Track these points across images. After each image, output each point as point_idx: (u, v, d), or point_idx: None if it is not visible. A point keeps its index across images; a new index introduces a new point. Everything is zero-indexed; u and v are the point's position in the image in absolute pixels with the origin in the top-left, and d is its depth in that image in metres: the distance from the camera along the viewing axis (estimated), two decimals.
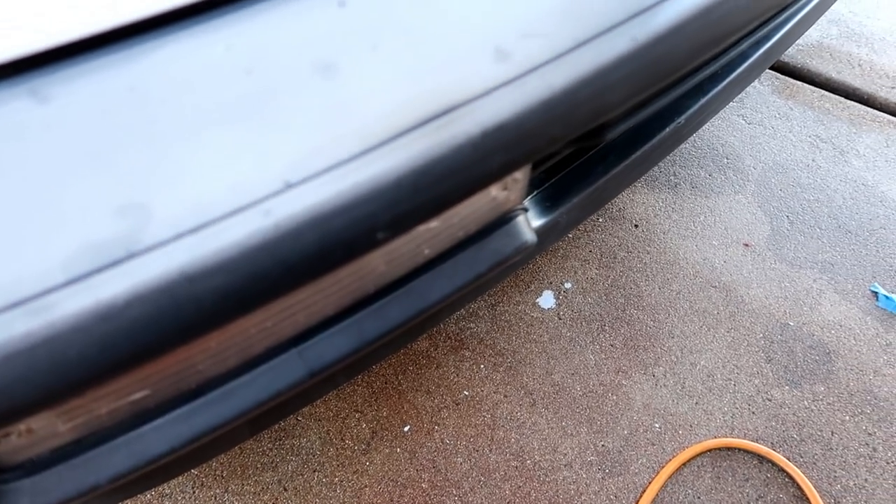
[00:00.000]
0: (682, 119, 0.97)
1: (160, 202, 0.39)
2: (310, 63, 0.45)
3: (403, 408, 1.24)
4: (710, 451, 1.16)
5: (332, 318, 0.57)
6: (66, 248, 0.37)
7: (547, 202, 0.82)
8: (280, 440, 1.21)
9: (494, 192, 0.59)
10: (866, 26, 2.01)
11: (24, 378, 0.37)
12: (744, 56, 1.01)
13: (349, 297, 0.56)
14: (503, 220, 0.64)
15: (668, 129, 0.95)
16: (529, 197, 0.82)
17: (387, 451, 1.19)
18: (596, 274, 1.42)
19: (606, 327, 1.34)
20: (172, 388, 0.51)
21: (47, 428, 0.48)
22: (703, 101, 0.99)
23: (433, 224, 0.54)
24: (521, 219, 0.66)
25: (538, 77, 0.47)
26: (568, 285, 1.40)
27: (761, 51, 1.03)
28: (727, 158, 1.63)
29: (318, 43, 0.46)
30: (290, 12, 0.47)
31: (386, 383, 1.27)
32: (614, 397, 1.24)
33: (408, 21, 0.48)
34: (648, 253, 1.45)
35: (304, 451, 1.19)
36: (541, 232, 0.79)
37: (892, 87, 1.80)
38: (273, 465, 1.17)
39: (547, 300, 1.38)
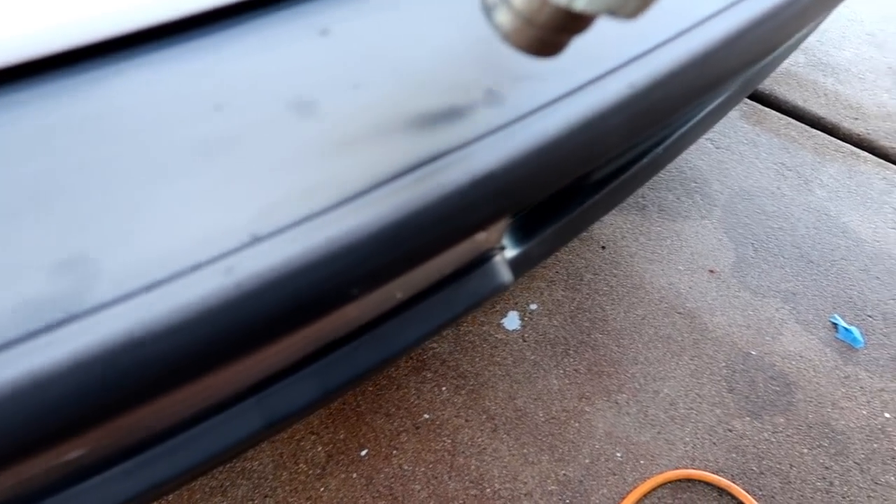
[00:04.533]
0: (660, 149, 0.95)
1: (108, 256, 0.34)
2: (285, 99, 0.40)
3: (361, 430, 1.20)
4: (670, 482, 1.15)
5: (293, 366, 0.53)
6: None
7: (520, 233, 0.79)
8: (230, 462, 1.15)
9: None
10: (832, 56, 2.05)
11: None
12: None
13: (312, 344, 0.52)
14: (480, 260, 0.60)
15: (646, 160, 0.93)
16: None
17: (342, 476, 1.14)
18: (562, 296, 1.40)
19: (571, 351, 1.32)
20: (112, 446, 0.46)
21: None
22: (682, 131, 0.97)
23: None
24: (498, 258, 0.63)
25: (532, 122, 0.44)
26: (534, 307, 1.38)
27: (742, 81, 1.02)
28: (695, 182, 1.63)
29: (295, 76, 0.41)
30: (266, 40, 0.43)
31: (344, 404, 1.23)
32: (577, 424, 1.22)
33: (395, 56, 0.44)
34: (615, 276, 1.44)
35: (255, 475, 1.14)
36: (513, 264, 0.76)
37: (856, 119, 1.83)
38: (222, 489, 1.12)
39: (512, 321, 1.36)
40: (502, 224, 0.59)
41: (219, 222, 0.36)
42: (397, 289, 0.54)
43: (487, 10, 0.40)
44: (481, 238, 0.57)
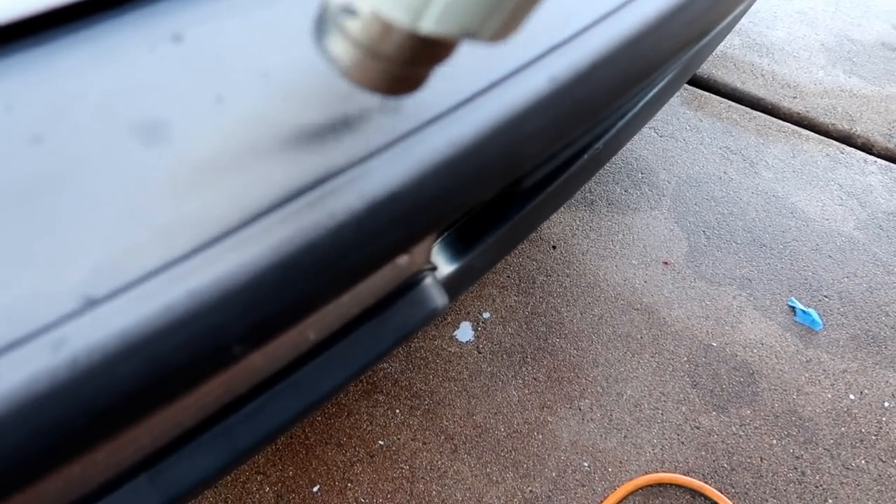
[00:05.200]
0: (599, 145, 0.90)
1: None
2: (127, 123, 0.33)
3: (312, 465, 1.12)
4: (641, 489, 1.10)
5: (191, 431, 0.45)
6: None
7: (457, 245, 0.73)
8: None
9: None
10: (766, 36, 2.04)
11: None
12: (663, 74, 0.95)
13: (210, 403, 0.44)
14: (407, 286, 0.53)
15: (586, 157, 0.88)
16: (437, 241, 0.72)
17: None
18: (515, 301, 1.34)
19: (528, 359, 1.26)
20: None
21: None
22: (621, 123, 0.92)
23: None
24: (428, 281, 0.56)
25: (438, 130, 0.37)
26: (486, 315, 1.32)
27: (680, 67, 0.97)
28: (642, 173, 1.60)
29: (140, 94, 0.34)
30: (104, 51, 0.35)
31: (291, 438, 1.14)
32: (540, 436, 1.16)
33: (267, 61, 0.37)
34: (568, 276, 1.39)
35: None
36: (451, 281, 0.69)
37: (794, 97, 1.82)
38: None
39: (465, 333, 1.29)
40: (427, 243, 0.53)
41: (40, 286, 0.28)
42: (309, 329, 0.47)
43: (318, 39, 0.32)
44: (403, 262, 0.51)
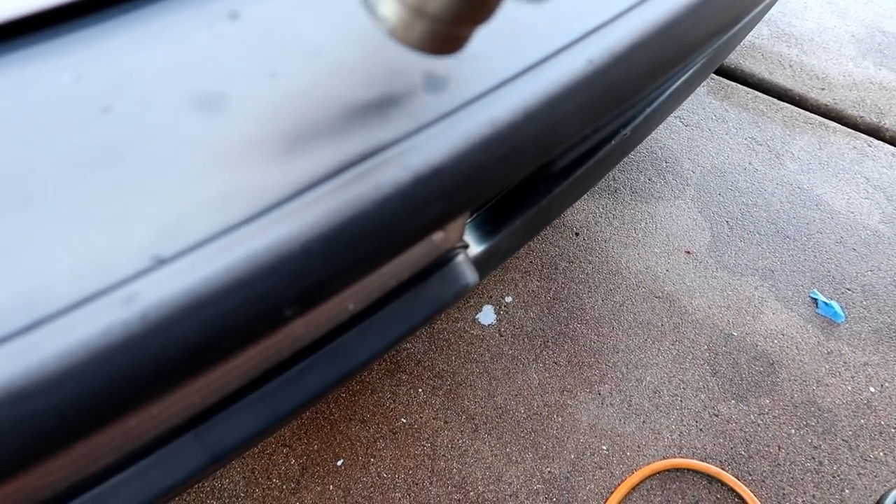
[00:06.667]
0: (627, 131, 0.91)
1: None
2: (189, 95, 0.35)
3: (336, 440, 1.14)
4: (658, 473, 1.12)
5: (236, 393, 0.47)
6: None
7: (486, 226, 0.74)
8: (197, 483, 1.09)
9: None
10: (795, 27, 2.02)
11: None
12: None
13: (256, 367, 0.47)
14: (440, 262, 0.55)
15: (614, 142, 0.89)
16: (469, 221, 0.74)
17: (318, 489, 1.09)
18: (538, 286, 1.36)
19: (549, 343, 1.27)
20: (26, 498, 0.40)
21: None
22: (649, 110, 0.93)
23: None
24: (460, 258, 0.58)
25: (481, 108, 0.39)
26: (509, 299, 1.34)
27: (709, 56, 0.98)
28: (666, 162, 1.60)
29: (200, 68, 0.36)
30: (164, 27, 0.37)
31: (316, 413, 1.17)
32: (560, 419, 1.18)
33: (319, 39, 0.38)
34: (590, 263, 1.40)
35: (226, 494, 1.08)
36: (480, 260, 0.71)
37: (822, 89, 1.80)
38: None
39: (487, 316, 1.31)
40: (461, 221, 0.54)
41: (112, 245, 0.31)
42: (349, 300, 0.49)
43: (369, 3, 0.35)
44: (439, 238, 0.52)
